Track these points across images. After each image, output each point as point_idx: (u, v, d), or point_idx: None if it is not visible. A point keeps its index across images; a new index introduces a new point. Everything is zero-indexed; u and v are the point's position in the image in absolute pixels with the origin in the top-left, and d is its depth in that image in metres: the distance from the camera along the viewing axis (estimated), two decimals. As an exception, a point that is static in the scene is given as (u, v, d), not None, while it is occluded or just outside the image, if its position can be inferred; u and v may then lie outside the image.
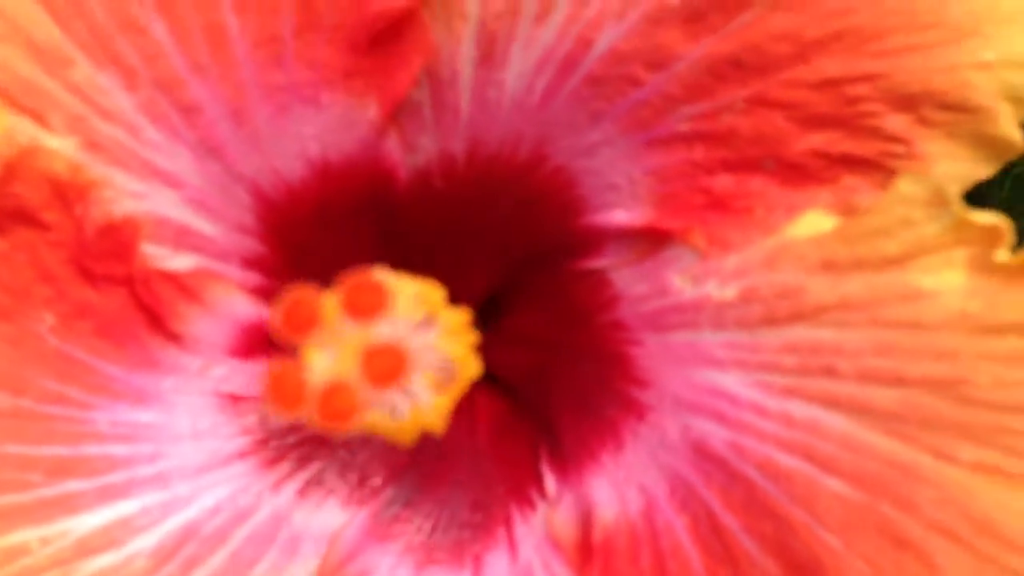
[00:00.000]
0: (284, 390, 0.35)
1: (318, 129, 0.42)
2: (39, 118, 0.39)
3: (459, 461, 0.47)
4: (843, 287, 0.37)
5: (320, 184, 0.44)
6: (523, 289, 0.48)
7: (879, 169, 0.39)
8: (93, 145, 0.40)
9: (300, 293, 0.36)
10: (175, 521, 0.42)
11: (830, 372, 0.37)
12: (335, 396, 0.34)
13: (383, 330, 0.35)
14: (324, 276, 0.46)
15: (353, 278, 0.37)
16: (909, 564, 0.35)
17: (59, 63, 0.38)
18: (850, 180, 0.39)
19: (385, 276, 0.37)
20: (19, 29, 0.38)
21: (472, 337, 0.41)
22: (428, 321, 0.38)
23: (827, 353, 0.37)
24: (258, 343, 0.46)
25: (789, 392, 0.38)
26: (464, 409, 0.48)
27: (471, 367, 0.41)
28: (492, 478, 0.47)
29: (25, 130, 0.39)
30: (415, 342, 0.37)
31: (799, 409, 0.38)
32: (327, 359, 0.35)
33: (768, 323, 0.38)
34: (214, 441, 0.45)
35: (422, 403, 0.37)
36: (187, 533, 0.42)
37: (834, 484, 0.37)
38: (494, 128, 0.43)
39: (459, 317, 0.40)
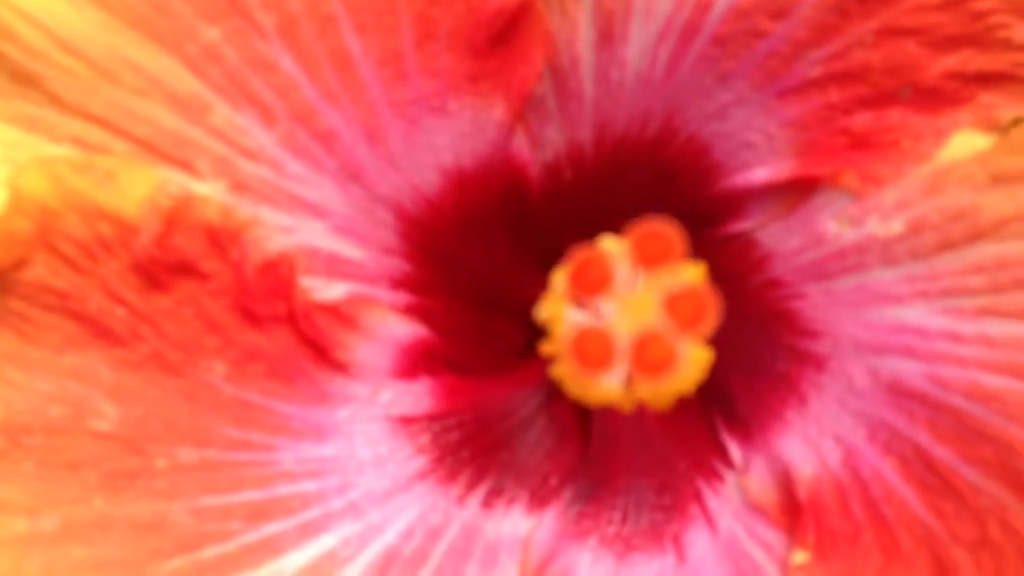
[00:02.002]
0: (591, 352, 0.35)
1: (450, 137, 0.42)
2: (187, 166, 0.39)
3: (631, 448, 0.47)
4: (1020, 197, 0.36)
5: (457, 193, 0.44)
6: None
7: (1014, 81, 0.38)
8: (240, 186, 0.40)
9: (586, 252, 0.36)
10: (375, 548, 0.42)
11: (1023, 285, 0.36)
12: (649, 347, 0.34)
13: (673, 277, 0.35)
14: (469, 285, 0.46)
15: (639, 229, 0.37)
16: None
17: (199, 110, 0.38)
18: (987, 97, 0.39)
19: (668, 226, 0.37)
20: (157, 83, 0.38)
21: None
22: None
23: (1016, 266, 0.36)
24: (418, 361, 0.46)
25: (983, 312, 0.37)
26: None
27: (712, 321, 0.40)
28: (670, 458, 0.46)
29: (174, 180, 0.39)
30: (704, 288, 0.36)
31: (997, 328, 0.37)
32: (629, 312, 0.35)
33: (945, 248, 0.38)
34: (394, 465, 0.44)
35: (688, 359, 0.37)
36: (389, 558, 0.42)
37: (1050, 396, 0.36)
38: (620, 109, 0.43)
39: (699, 270, 0.40)
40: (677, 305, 0.35)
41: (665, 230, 0.36)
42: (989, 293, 0.37)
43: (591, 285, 0.35)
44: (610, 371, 0.35)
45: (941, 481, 0.38)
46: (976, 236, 0.37)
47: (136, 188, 0.37)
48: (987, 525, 0.37)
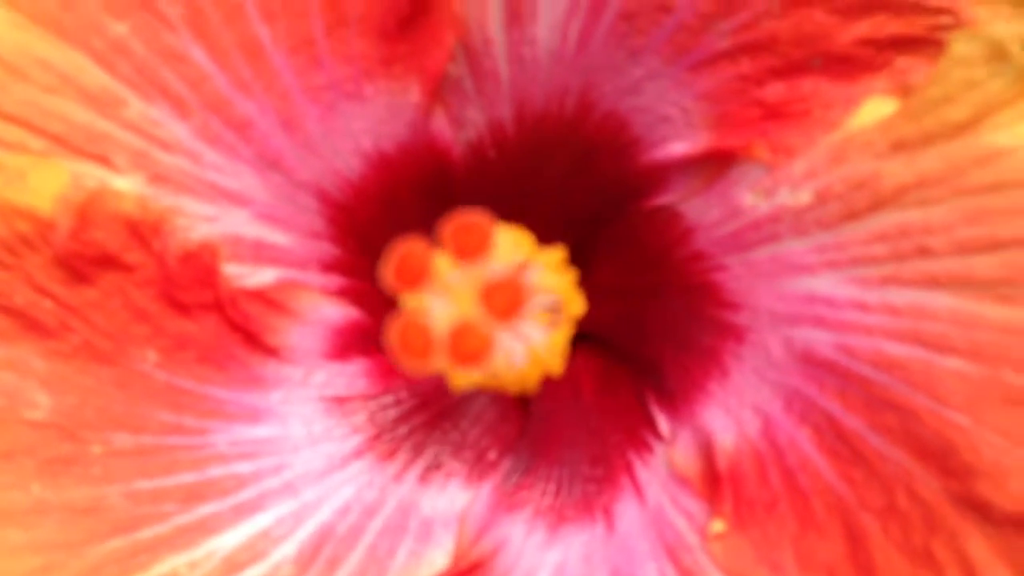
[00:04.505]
0: (412, 343, 0.36)
1: (368, 122, 0.43)
2: (104, 160, 0.40)
3: (568, 422, 0.48)
4: (919, 164, 0.36)
5: (380, 176, 0.44)
6: (597, 243, 0.48)
7: (931, 44, 0.38)
8: (158, 177, 0.41)
9: (406, 247, 0.36)
10: (310, 526, 0.43)
11: (924, 252, 0.36)
12: (464, 337, 0.35)
13: (493, 268, 0.36)
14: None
15: (453, 222, 0.37)
16: (1045, 426, 0.34)
17: (111, 105, 0.39)
18: (903, 62, 0.38)
19: (483, 217, 0.37)
20: (68, 79, 0.39)
21: (572, 274, 0.41)
22: (528, 260, 0.38)
23: (917, 233, 0.36)
24: (351, 343, 0.47)
25: (887, 281, 0.37)
26: (564, 373, 0.48)
27: (576, 304, 0.41)
28: (604, 431, 0.47)
29: (92, 174, 0.40)
30: (526, 277, 0.37)
31: (900, 296, 0.37)
32: (446, 304, 0.35)
33: (850, 217, 0.38)
34: (330, 445, 0.45)
35: (539, 343, 0.38)
36: (323, 535, 0.43)
37: (951, 363, 0.36)
38: (536, 86, 0.43)
39: (556, 255, 0.40)
40: (493, 296, 0.35)
41: (480, 221, 0.36)
42: (892, 261, 0.37)
43: (410, 279, 0.36)
44: (431, 360, 0.36)
45: (851, 450, 0.38)
46: (878, 205, 0.37)
47: (47, 185, 0.38)
48: (894, 493, 0.37)
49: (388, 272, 0.37)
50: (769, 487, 0.40)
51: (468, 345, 0.35)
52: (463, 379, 0.40)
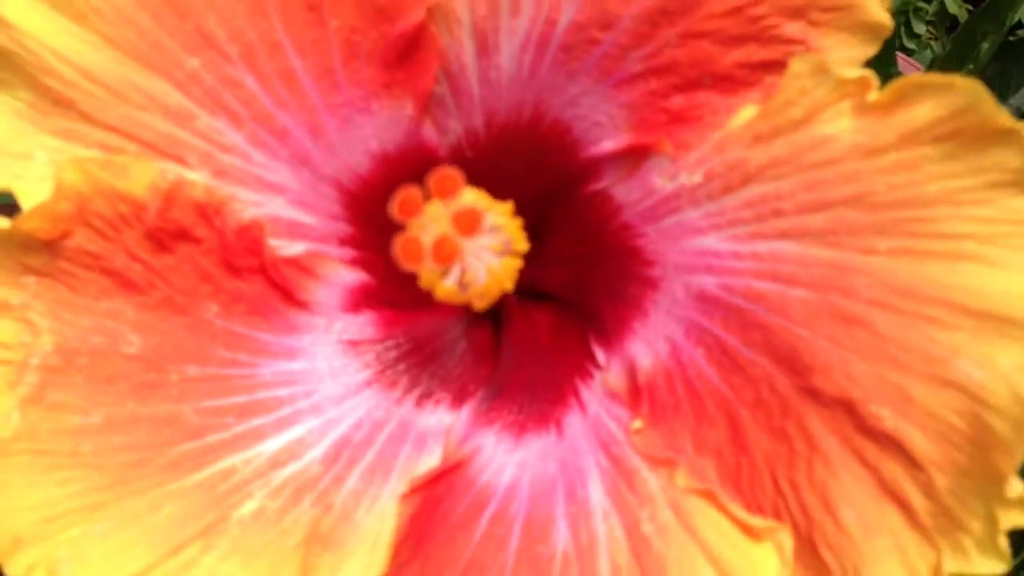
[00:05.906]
0: (409, 251, 0.50)
1: (374, 130, 0.57)
2: (180, 160, 0.54)
3: (529, 360, 0.61)
4: (771, 151, 0.50)
5: (383, 172, 0.59)
6: (550, 223, 0.62)
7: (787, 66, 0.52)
8: (220, 172, 0.55)
9: (405, 192, 0.51)
10: (333, 436, 0.57)
11: (777, 213, 0.50)
12: (442, 246, 0.50)
13: (461, 203, 0.50)
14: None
15: (435, 174, 0.52)
16: (858, 334, 0.47)
17: (186, 119, 0.53)
18: (770, 79, 0.52)
19: (456, 172, 0.53)
20: (155, 100, 0.53)
21: (518, 222, 0.56)
22: (487, 208, 0.53)
23: (772, 200, 0.50)
24: (361, 300, 0.61)
25: (753, 236, 0.50)
26: (526, 323, 0.62)
27: (522, 243, 0.55)
28: (556, 365, 0.60)
29: (172, 169, 0.54)
30: (484, 212, 0.52)
31: (762, 246, 0.50)
32: (430, 227, 0.50)
33: (727, 191, 0.51)
34: (346, 377, 0.59)
35: (495, 264, 0.52)
36: (343, 443, 0.57)
37: (797, 292, 0.49)
38: (500, 102, 0.57)
39: (507, 206, 0.55)
40: (460, 219, 0.50)
41: (454, 174, 0.51)
42: (756, 222, 0.50)
43: (408, 212, 0.50)
44: (422, 263, 0.50)
45: (731, 361, 0.51)
46: (745, 180, 0.50)
47: (142, 176, 0.52)
48: (760, 390, 0.50)
49: (393, 208, 0.51)
50: (675, 394, 0.53)
51: (444, 250, 0.49)
52: (444, 290, 0.54)
